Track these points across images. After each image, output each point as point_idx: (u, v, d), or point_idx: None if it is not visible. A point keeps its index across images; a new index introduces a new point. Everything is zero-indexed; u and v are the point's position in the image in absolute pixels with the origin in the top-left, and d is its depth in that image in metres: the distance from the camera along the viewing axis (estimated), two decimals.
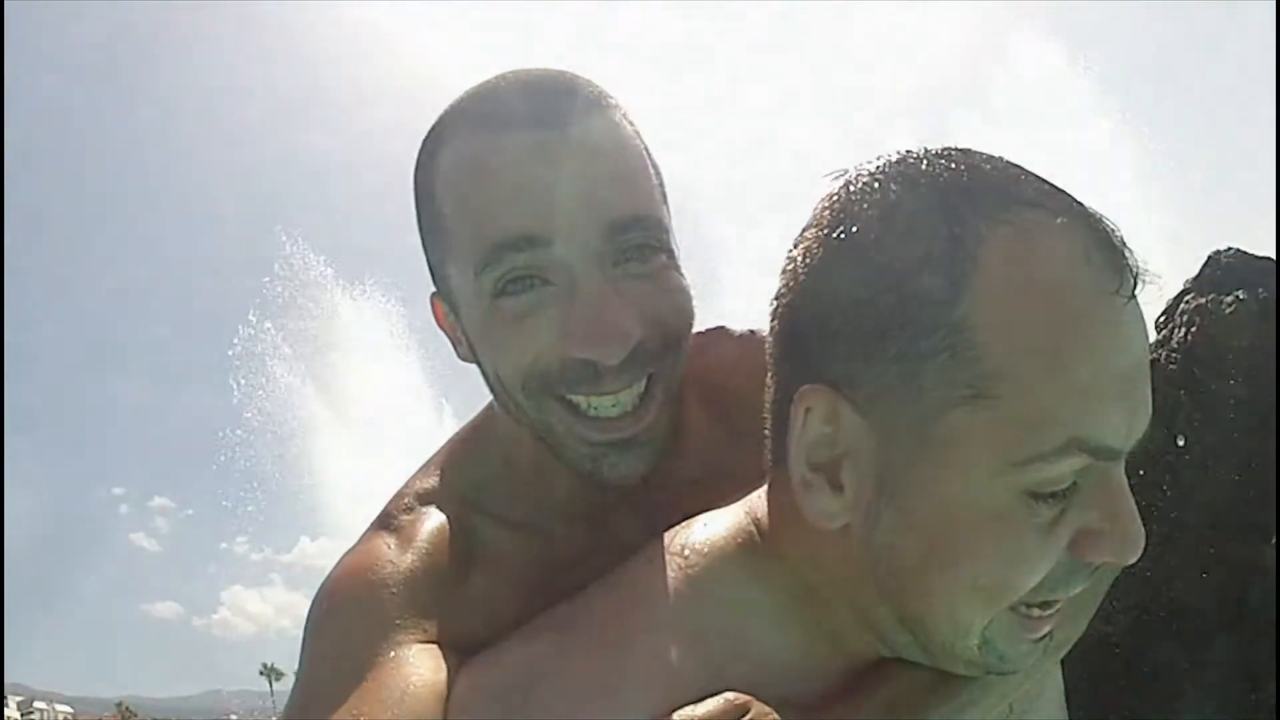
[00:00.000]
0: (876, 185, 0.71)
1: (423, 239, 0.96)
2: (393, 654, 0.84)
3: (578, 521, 0.99)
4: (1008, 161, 0.72)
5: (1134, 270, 0.69)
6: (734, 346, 1.06)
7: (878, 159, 0.74)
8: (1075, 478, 0.67)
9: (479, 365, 0.96)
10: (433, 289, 0.99)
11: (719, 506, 0.87)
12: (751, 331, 1.06)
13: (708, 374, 1.03)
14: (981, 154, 0.73)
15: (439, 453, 1.07)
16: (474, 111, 0.91)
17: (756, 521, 0.81)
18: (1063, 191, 0.71)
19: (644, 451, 0.92)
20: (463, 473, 1.03)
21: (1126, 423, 0.68)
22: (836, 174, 0.75)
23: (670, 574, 0.79)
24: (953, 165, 0.71)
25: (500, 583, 0.96)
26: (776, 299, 0.77)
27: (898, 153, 0.74)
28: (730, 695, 0.71)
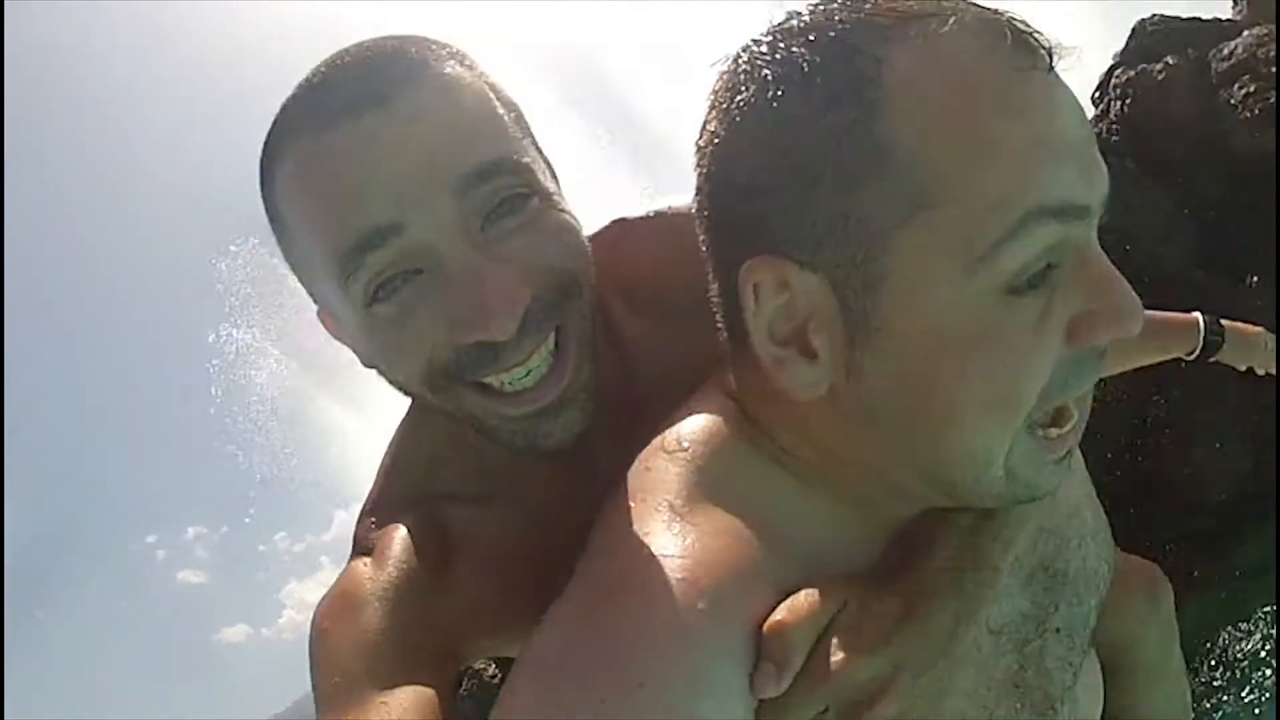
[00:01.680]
0: (764, 50, 0.70)
1: (286, 259, 0.92)
2: (374, 687, 0.82)
3: (548, 472, 0.94)
4: None
5: (1046, 46, 0.67)
6: (643, 233, 1.01)
7: (755, 36, 0.72)
8: (1048, 257, 0.65)
9: (380, 373, 0.92)
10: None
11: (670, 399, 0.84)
12: (655, 213, 1.01)
13: (626, 272, 0.97)
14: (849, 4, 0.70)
15: (385, 457, 1.04)
16: (293, 118, 0.84)
17: (743, 407, 0.78)
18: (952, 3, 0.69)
19: (573, 410, 0.88)
20: (413, 468, 1.01)
21: (1081, 179, 0.66)
22: (720, 59, 0.73)
23: (681, 474, 0.73)
24: (831, 10, 0.69)
25: (486, 561, 0.94)
26: (696, 191, 0.75)
27: (771, 23, 0.72)
28: (813, 590, 0.68)
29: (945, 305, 0.65)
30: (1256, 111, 6.15)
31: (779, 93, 0.67)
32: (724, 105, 0.71)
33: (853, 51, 0.66)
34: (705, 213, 0.75)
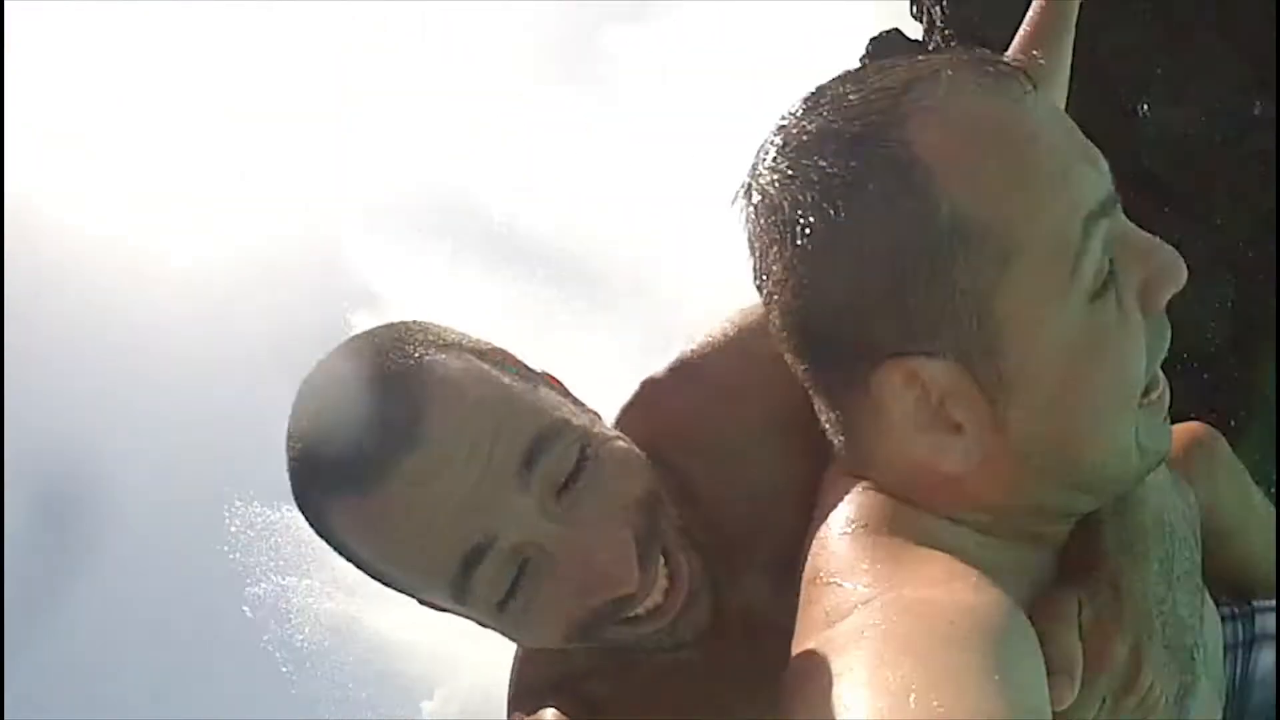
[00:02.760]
0: (791, 174, 0.72)
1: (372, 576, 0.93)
2: None
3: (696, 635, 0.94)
4: (847, 78, 0.74)
5: (1018, 69, 0.72)
6: (677, 385, 1.00)
7: (761, 165, 0.75)
8: (1108, 252, 0.70)
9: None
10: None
11: (758, 538, 0.91)
12: (679, 362, 1.01)
13: (675, 426, 0.98)
14: (827, 92, 0.74)
15: (519, 647, 1.04)
16: (326, 478, 0.85)
17: (890, 495, 0.78)
18: (917, 57, 0.74)
19: (701, 598, 0.91)
20: (547, 652, 0.99)
21: (1098, 170, 0.72)
22: (739, 192, 0.77)
23: (874, 541, 0.74)
24: (823, 116, 0.72)
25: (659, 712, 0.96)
26: (782, 328, 0.77)
27: (769, 144, 0.75)
28: (1053, 599, 0.74)
29: (1057, 333, 0.70)
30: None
31: (835, 208, 0.69)
32: (780, 237, 0.73)
33: (879, 144, 0.69)
34: (801, 343, 0.76)
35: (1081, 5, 1.24)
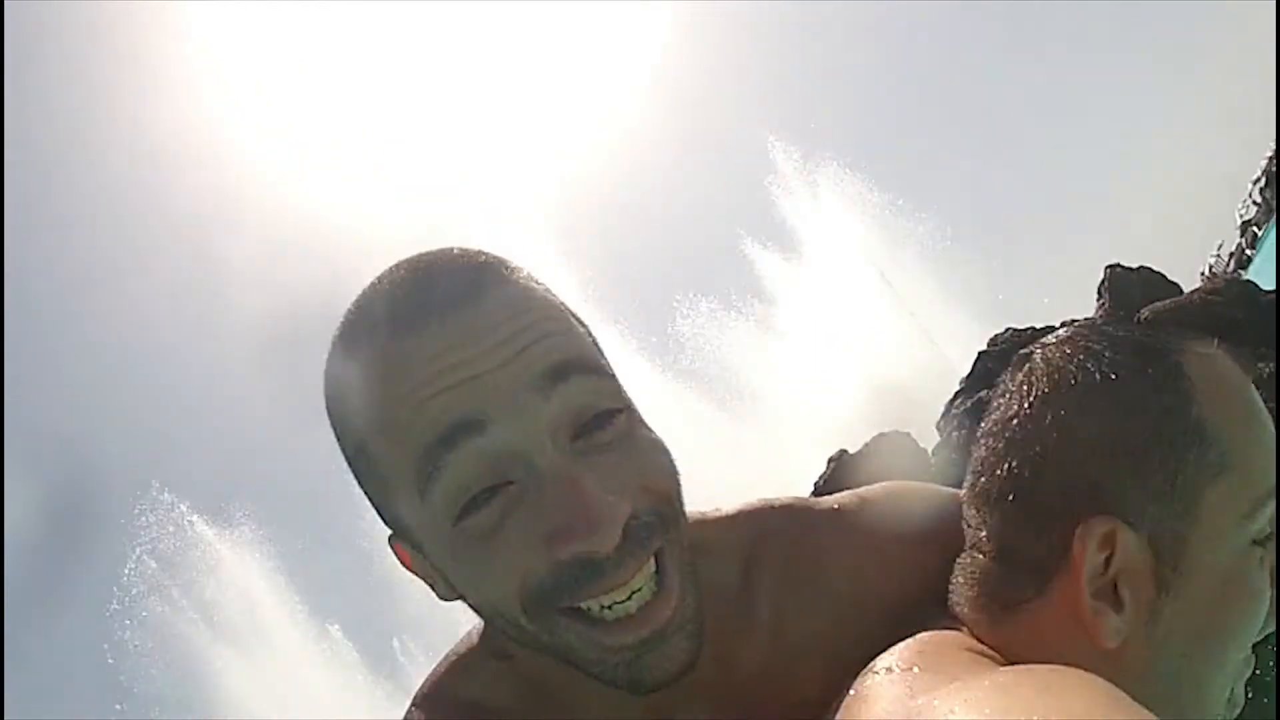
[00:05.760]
0: (1077, 356, 0.84)
1: (360, 486, 0.86)
2: None
3: (609, 709, 0.86)
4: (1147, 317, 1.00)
5: (1250, 367, 0.87)
6: (817, 519, 0.97)
7: (1053, 339, 0.87)
8: (1271, 522, 0.80)
9: (466, 601, 0.85)
10: (389, 532, 0.87)
11: (805, 687, 0.85)
12: (838, 505, 0.98)
13: (789, 551, 0.94)
14: (1121, 324, 0.87)
15: (446, 657, 0.96)
16: (367, 321, 0.82)
17: (998, 649, 0.81)
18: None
19: (681, 640, 0.80)
20: (468, 674, 0.93)
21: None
22: (1019, 360, 0.88)
23: (933, 679, 0.74)
24: (1117, 331, 0.85)
25: None
26: (1003, 464, 0.83)
27: (1067, 330, 0.87)
28: None
29: (1226, 555, 0.79)
30: None
31: (1111, 377, 0.81)
32: (1054, 387, 0.83)
33: (1159, 353, 0.83)
34: (1023, 480, 0.82)
35: None
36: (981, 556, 0.85)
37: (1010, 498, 0.83)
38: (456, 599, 0.85)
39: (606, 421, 0.80)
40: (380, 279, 0.84)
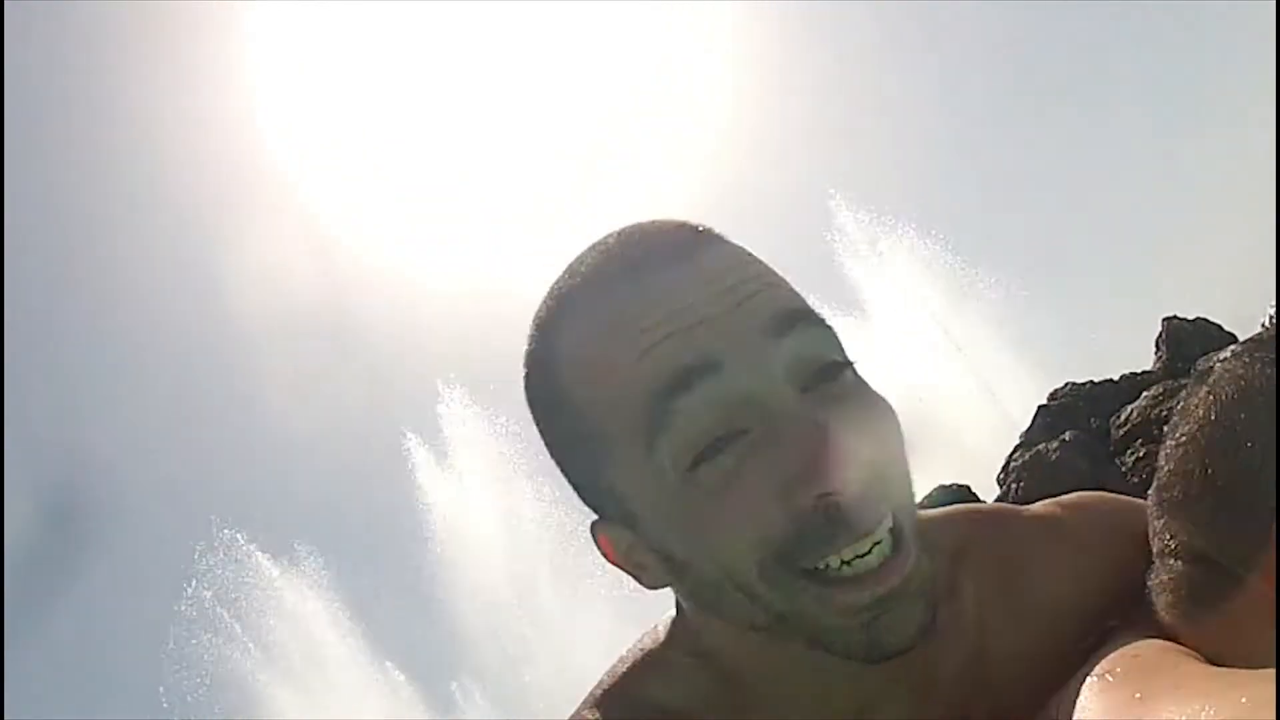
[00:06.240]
0: (1259, 360, 0.84)
1: (565, 463, 0.83)
2: None
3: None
4: None
5: None
6: (1033, 527, 0.96)
7: (1227, 352, 0.87)
8: None
9: (680, 582, 0.81)
10: (592, 519, 0.83)
11: (1006, 693, 0.86)
12: (1043, 515, 0.97)
13: (1004, 553, 0.93)
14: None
15: (610, 682, 0.90)
16: (584, 276, 0.80)
17: (1199, 649, 0.81)
18: None
19: (918, 602, 0.77)
20: (652, 671, 0.88)
21: None
22: (1200, 375, 0.87)
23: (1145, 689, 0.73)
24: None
25: None
26: (1206, 471, 0.83)
27: (1238, 345, 0.87)
28: None
29: None
30: (1145, 475, 6.74)
31: None
32: (1234, 399, 0.83)
33: None
34: (1214, 484, 0.83)
35: None
36: (1177, 562, 0.86)
37: (1207, 502, 0.83)
38: (664, 586, 0.83)
39: (837, 373, 0.78)
40: (590, 247, 0.82)
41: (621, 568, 0.83)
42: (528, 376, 0.84)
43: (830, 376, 0.77)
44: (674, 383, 0.73)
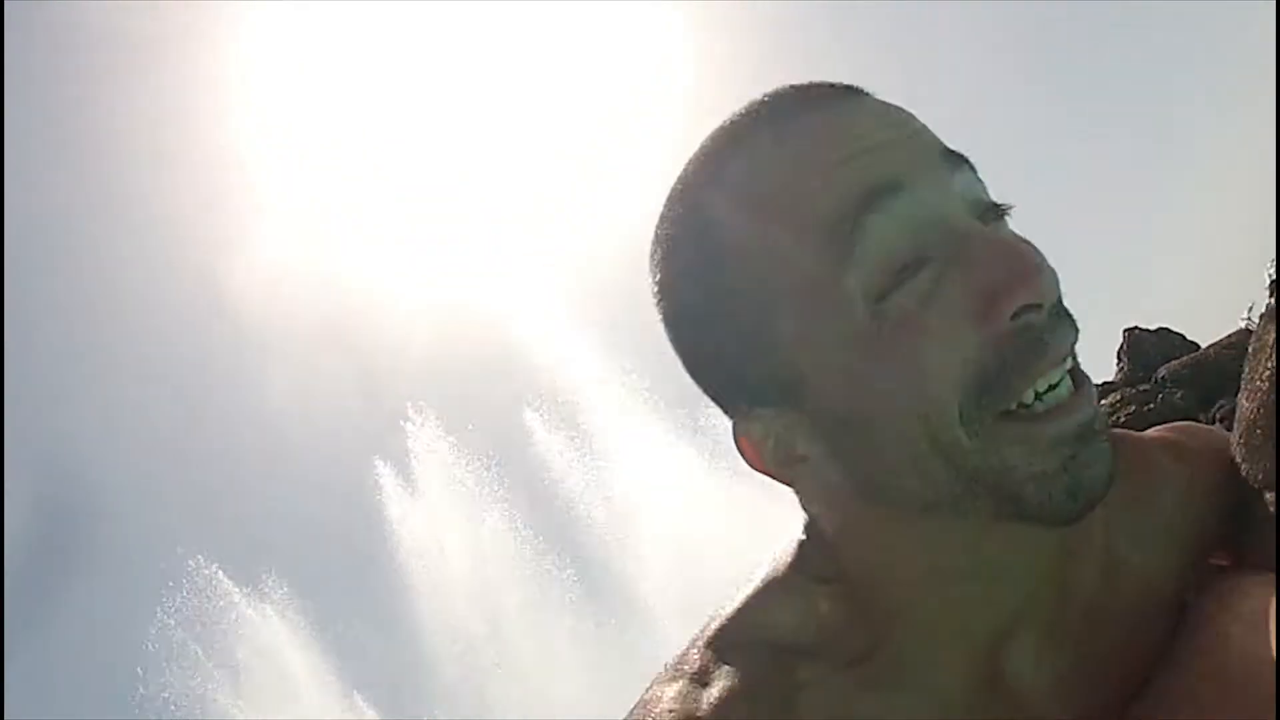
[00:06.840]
0: None
1: (715, 346, 0.77)
2: None
3: (960, 667, 0.79)
4: None
5: None
6: (1159, 449, 0.92)
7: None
8: None
9: (854, 461, 0.74)
10: (730, 421, 0.78)
11: (1136, 620, 0.82)
12: (1166, 438, 0.94)
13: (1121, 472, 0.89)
14: None
15: (728, 617, 0.82)
16: (747, 118, 0.76)
17: None
18: None
19: (1104, 442, 0.75)
20: (781, 616, 0.80)
21: None
22: (1269, 313, 0.85)
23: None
24: None
25: None
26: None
27: None
28: None
29: None
30: None
31: None
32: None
33: None
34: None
35: None
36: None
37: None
38: (822, 487, 0.77)
39: (1000, 214, 0.75)
40: (741, 108, 0.77)
41: (770, 472, 0.78)
42: (669, 252, 0.78)
43: (996, 217, 0.74)
44: (863, 203, 0.70)
